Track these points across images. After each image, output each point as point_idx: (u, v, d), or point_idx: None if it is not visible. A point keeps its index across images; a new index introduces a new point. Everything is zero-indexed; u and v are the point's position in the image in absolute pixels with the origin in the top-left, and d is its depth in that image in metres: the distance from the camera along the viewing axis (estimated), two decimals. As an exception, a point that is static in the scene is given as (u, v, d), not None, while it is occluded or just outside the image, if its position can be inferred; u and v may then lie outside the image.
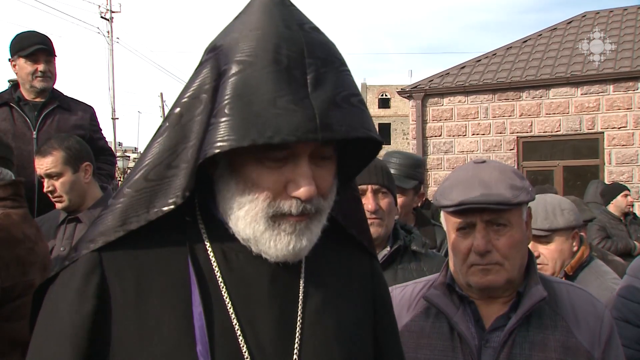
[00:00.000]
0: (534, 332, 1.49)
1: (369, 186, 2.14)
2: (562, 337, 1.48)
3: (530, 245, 2.29)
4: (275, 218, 0.95)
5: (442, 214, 1.63)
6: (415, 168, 3.08)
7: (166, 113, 1.02)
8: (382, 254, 2.17)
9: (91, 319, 0.92)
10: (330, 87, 0.91)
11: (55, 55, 3.62)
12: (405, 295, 1.69)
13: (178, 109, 0.97)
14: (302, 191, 0.92)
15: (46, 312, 0.97)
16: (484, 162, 1.60)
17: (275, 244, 0.96)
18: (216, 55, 0.95)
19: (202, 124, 0.93)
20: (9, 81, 3.93)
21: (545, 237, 2.39)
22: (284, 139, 0.86)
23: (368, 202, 2.10)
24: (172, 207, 0.95)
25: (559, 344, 1.47)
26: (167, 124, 0.98)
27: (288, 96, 0.87)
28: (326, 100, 0.89)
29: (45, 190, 2.85)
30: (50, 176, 2.83)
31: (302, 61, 0.90)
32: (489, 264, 1.49)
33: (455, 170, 1.67)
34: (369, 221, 2.06)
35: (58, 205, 2.90)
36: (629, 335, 1.92)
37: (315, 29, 0.97)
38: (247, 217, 0.95)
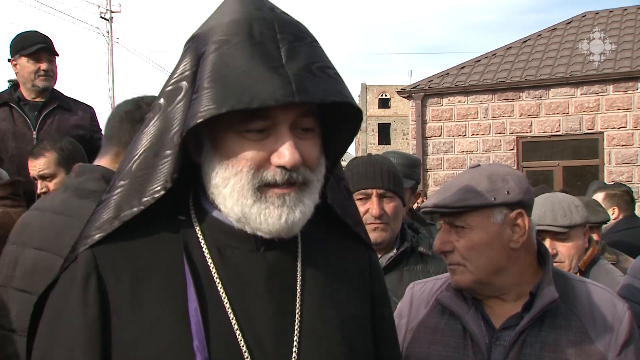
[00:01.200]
0: (547, 332, 1.49)
1: (374, 190, 2.09)
2: (576, 338, 1.47)
3: (547, 244, 2.31)
4: (261, 190, 0.95)
5: None
6: (412, 168, 3.09)
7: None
8: (389, 255, 2.16)
9: (98, 322, 0.93)
10: (304, 58, 0.94)
11: (57, 55, 3.63)
12: (425, 291, 1.72)
13: (162, 100, 1.00)
14: (287, 159, 0.93)
15: (50, 319, 0.97)
16: (477, 166, 1.63)
17: (266, 218, 0.96)
18: (194, 44, 0.99)
19: (185, 108, 0.96)
20: (8, 81, 3.92)
21: (563, 234, 2.40)
22: (262, 102, 0.88)
23: (373, 207, 2.07)
24: (162, 192, 0.96)
25: (572, 344, 1.46)
26: (153, 114, 1.01)
27: (263, 66, 0.90)
28: (301, 69, 0.92)
29: (38, 191, 2.85)
30: (43, 177, 2.83)
31: (275, 36, 0.93)
32: (451, 264, 1.57)
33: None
34: (374, 226, 2.06)
35: None
36: None
37: (285, 13, 1.01)
38: (233, 193, 0.96)
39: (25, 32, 3.63)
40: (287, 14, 1.00)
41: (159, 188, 0.96)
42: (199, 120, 0.90)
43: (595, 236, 3.38)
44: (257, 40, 0.92)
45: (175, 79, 0.99)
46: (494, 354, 1.50)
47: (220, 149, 0.97)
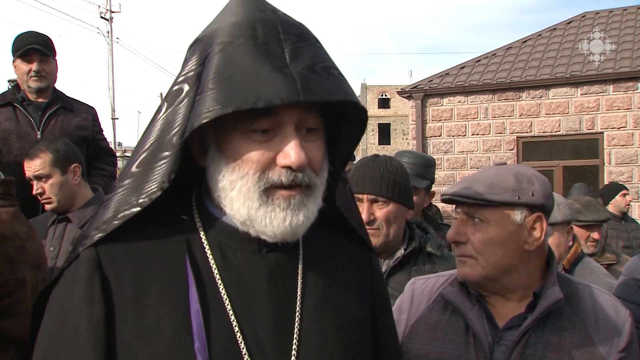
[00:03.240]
0: (550, 332, 1.49)
1: (365, 196, 2.09)
2: (578, 340, 1.47)
3: None
4: (268, 192, 0.96)
5: None
6: (427, 167, 3.07)
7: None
8: (396, 256, 2.15)
9: (102, 320, 0.93)
10: (308, 58, 0.94)
11: (54, 55, 3.60)
12: (427, 287, 1.72)
13: (165, 103, 1.01)
14: (293, 159, 0.93)
15: (54, 316, 0.97)
16: (504, 164, 1.64)
17: (271, 221, 0.96)
18: (198, 46, 0.99)
19: (187, 109, 0.96)
20: (8, 81, 3.93)
21: None
22: (267, 102, 0.88)
23: (362, 212, 2.05)
24: (158, 193, 0.96)
25: (575, 346, 1.46)
26: (155, 116, 1.01)
27: (268, 66, 0.90)
28: (305, 68, 0.92)
29: (34, 192, 2.86)
30: (38, 178, 2.84)
31: (278, 37, 0.94)
32: (462, 255, 1.55)
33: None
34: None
35: (47, 207, 2.91)
36: None
37: (288, 15, 1.01)
38: (240, 195, 0.96)
39: (22, 33, 3.61)
40: (289, 16, 1.01)
41: (155, 189, 0.96)
42: (204, 121, 0.90)
43: (595, 235, 3.38)
44: (261, 41, 0.92)
45: (178, 82, 1.00)
46: (496, 353, 1.50)
47: (226, 151, 0.97)
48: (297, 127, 0.96)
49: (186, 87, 0.97)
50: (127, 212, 0.97)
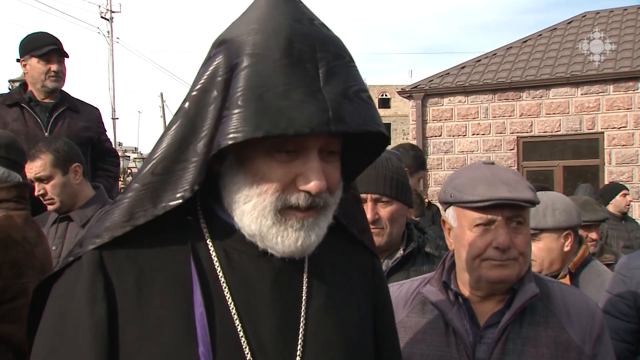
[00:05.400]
0: (527, 328, 1.53)
1: (369, 195, 2.09)
2: (554, 333, 1.52)
3: None
4: (283, 212, 0.94)
5: (450, 210, 1.63)
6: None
7: (175, 109, 1.01)
8: (395, 256, 2.15)
9: (104, 321, 0.91)
10: (342, 81, 0.92)
11: (67, 57, 3.64)
12: (402, 292, 1.72)
13: (187, 103, 0.97)
14: (313, 185, 0.92)
15: (55, 313, 0.95)
16: (493, 163, 1.65)
17: (283, 240, 0.95)
18: (226, 49, 0.94)
19: (214, 117, 0.93)
20: (9, 81, 3.94)
21: (534, 235, 2.41)
22: (297, 130, 0.86)
23: (367, 212, 2.05)
24: (180, 201, 0.94)
25: (551, 339, 1.51)
26: (177, 118, 0.97)
27: (301, 89, 0.88)
28: (339, 94, 0.90)
29: (36, 193, 2.85)
30: (40, 180, 2.83)
31: (314, 55, 0.91)
32: (508, 259, 1.52)
33: (464, 169, 1.68)
34: None
35: (50, 208, 2.91)
36: (610, 326, 2.01)
37: (324, 25, 0.98)
38: (253, 211, 0.94)
39: (36, 32, 3.64)
40: (326, 27, 0.97)
41: (178, 196, 0.94)
42: (231, 142, 0.88)
43: (594, 235, 3.37)
44: (296, 59, 0.89)
45: (203, 83, 0.95)
46: (478, 351, 1.53)
47: (246, 167, 0.95)
48: (320, 150, 0.94)
49: (214, 93, 0.93)
50: (143, 217, 0.95)
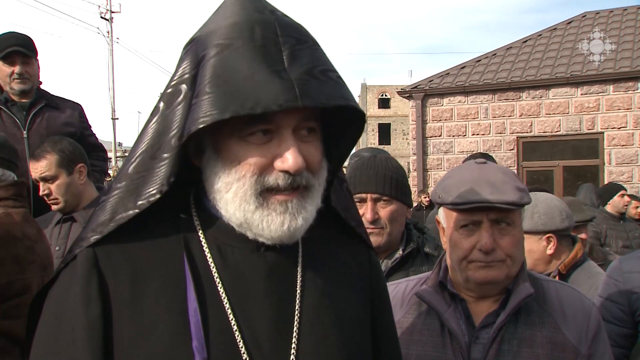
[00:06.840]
0: (522, 328, 1.52)
1: (369, 195, 2.09)
2: (550, 333, 1.51)
3: None
4: (264, 195, 0.95)
5: (441, 210, 1.64)
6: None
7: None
8: (394, 256, 2.15)
9: (100, 320, 0.93)
10: (306, 61, 0.93)
11: (36, 56, 3.56)
12: (398, 292, 1.72)
13: (161, 103, 1.00)
14: (290, 164, 0.93)
15: (51, 316, 0.97)
16: (485, 162, 1.63)
17: (269, 225, 0.95)
18: (194, 48, 0.98)
19: (184, 111, 0.95)
20: None
21: None
22: (265, 108, 0.87)
23: (367, 212, 2.06)
24: (157, 196, 0.96)
25: (547, 339, 1.50)
26: (152, 117, 1.00)
27: (266, 70, 0.89)
28: (304, 72, 0.91)
29: (40, 193, 2.86)
30: (45, 180, 2.84)
31: (277, 39, 0.93)
32: (493, 261, 1.52)
33: (455, 168, 1.68)
34: (369, 231, 2.04)
35: (54, 207, 2.92)
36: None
37: (287, 15, 1.00)
38: (235, 198, 0.95)
39: (2, 34, 3.55)
40: (288, 17, 1.00)
41: (154, 192, 0.96)
42: (201, 126, 0.89)
43: (583, 235, 3.36)
44: (259, 44, 0.91)
45: (174, 82, 0.98)
46: (473, 352, 1.52)
47: (223, 154, 0.96)
48: (295, 129, 0.96)
49: (184, 89, 0.96)
50: (124, 214, 0.97)
